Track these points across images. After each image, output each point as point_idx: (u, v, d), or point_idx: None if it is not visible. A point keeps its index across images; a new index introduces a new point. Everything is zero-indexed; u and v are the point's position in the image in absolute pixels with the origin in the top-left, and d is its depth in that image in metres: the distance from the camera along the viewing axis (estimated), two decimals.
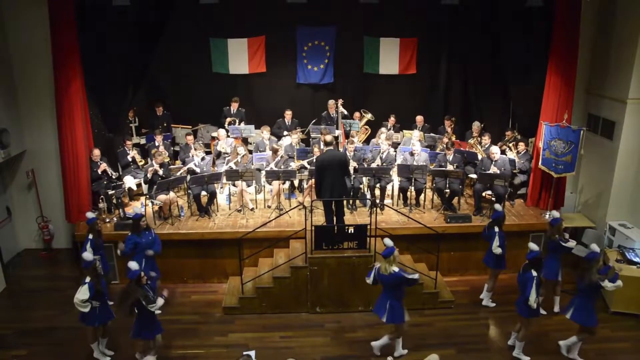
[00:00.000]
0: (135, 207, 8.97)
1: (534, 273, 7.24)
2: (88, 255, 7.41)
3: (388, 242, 7.46)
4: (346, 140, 11.21)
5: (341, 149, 10.65)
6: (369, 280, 7.57)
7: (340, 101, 12.11)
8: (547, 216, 9.95)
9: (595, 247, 7.45)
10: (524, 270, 7.36)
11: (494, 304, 9.13)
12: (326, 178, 8.66)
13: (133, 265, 7.02)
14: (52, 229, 10.94)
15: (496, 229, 8.59)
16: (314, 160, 9.97)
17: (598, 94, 10.69)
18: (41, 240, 11.09)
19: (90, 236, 8.37)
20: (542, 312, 8.29)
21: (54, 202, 10.69)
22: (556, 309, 8.82)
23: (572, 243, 8.37)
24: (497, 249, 8.56)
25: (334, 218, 8.97)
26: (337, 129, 11.96)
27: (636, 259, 8.86)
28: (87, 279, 7.05)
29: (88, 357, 7.58)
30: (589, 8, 10.26)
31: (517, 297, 7.62)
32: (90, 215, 8.57)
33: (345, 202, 9.89)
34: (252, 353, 6.55)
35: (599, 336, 8.08)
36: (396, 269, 7.21)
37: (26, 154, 10.64)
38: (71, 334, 8.21)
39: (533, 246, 7.47)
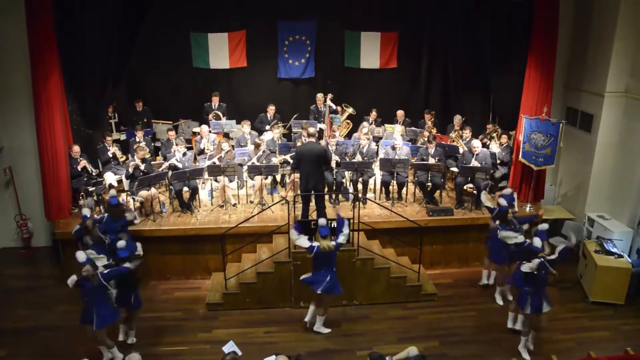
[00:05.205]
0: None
1: None
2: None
3: (322, 221, 7.85)
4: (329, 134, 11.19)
5: (323, 142, 10.65)
6: (305, 276, 7.91)
7: (329, 95, 12.05)
8: (528, 209, 10.08)
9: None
10: None
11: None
12: (302, 170, 8.72)
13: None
14: (31, 227, 10.76)
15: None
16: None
17: (576, 87, 10.83)
18: (20, 239, 10.90)
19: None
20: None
21: (33, 199, 10.49)
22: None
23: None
24: None
25: (312, 212, 8.96)
26: (323, 122, 11.94)
27: (614, 250, 9.00)
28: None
29: (70, 356, 7.49)
30: (568, 4, 10.40)
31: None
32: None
33: (327, 196, 9.91)
34: (230, 346, 6.45)
35: (579, 326, 8.25)
36: (335, 240, 7.78)
37: (3, 151, 10.43)
38: (52, 333, 8.12)
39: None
